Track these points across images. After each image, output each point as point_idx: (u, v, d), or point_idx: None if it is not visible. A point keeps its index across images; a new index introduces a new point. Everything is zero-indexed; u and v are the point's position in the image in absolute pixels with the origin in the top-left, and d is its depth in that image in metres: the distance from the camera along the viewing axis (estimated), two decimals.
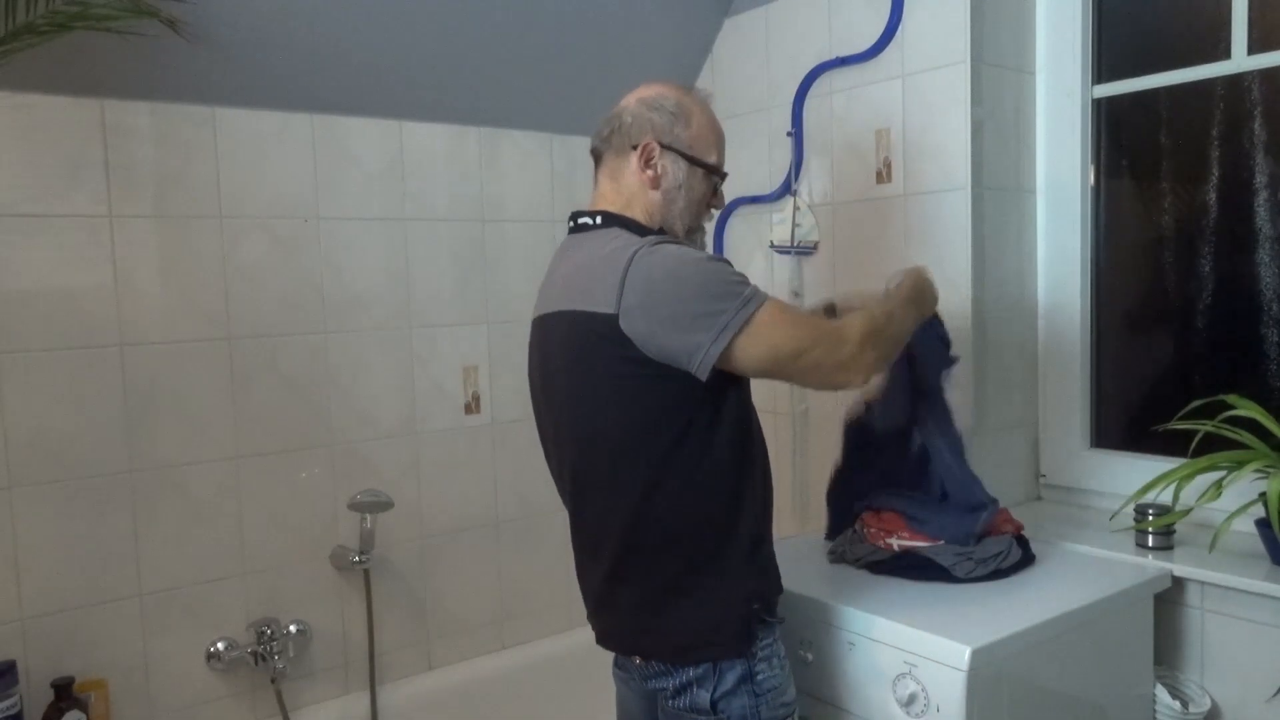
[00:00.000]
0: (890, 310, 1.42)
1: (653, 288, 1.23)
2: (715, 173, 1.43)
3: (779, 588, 1.41)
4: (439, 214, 2.29)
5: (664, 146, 1.37)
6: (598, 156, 1.44)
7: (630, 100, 1.42)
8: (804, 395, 2.33)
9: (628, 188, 1.39)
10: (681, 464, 1.28)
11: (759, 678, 1.33)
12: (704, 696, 1.32)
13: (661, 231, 1.38)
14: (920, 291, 1.52)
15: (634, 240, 1.30)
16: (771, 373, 1.29)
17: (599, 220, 1.38)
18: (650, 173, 1.37)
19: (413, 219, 2.25)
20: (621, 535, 1.33)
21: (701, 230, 1.47)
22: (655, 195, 1.38)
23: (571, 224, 1.42)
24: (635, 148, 1.37)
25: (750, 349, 1.24)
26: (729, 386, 1.30)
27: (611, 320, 1.24)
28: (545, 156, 2.46)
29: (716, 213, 1.51)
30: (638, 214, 1.38)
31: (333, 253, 2.13)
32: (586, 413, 1.33)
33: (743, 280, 1.27)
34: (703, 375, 1.24)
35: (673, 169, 1.38)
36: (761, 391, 1.45)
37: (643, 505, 1.30)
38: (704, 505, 1.30)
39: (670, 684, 1.34)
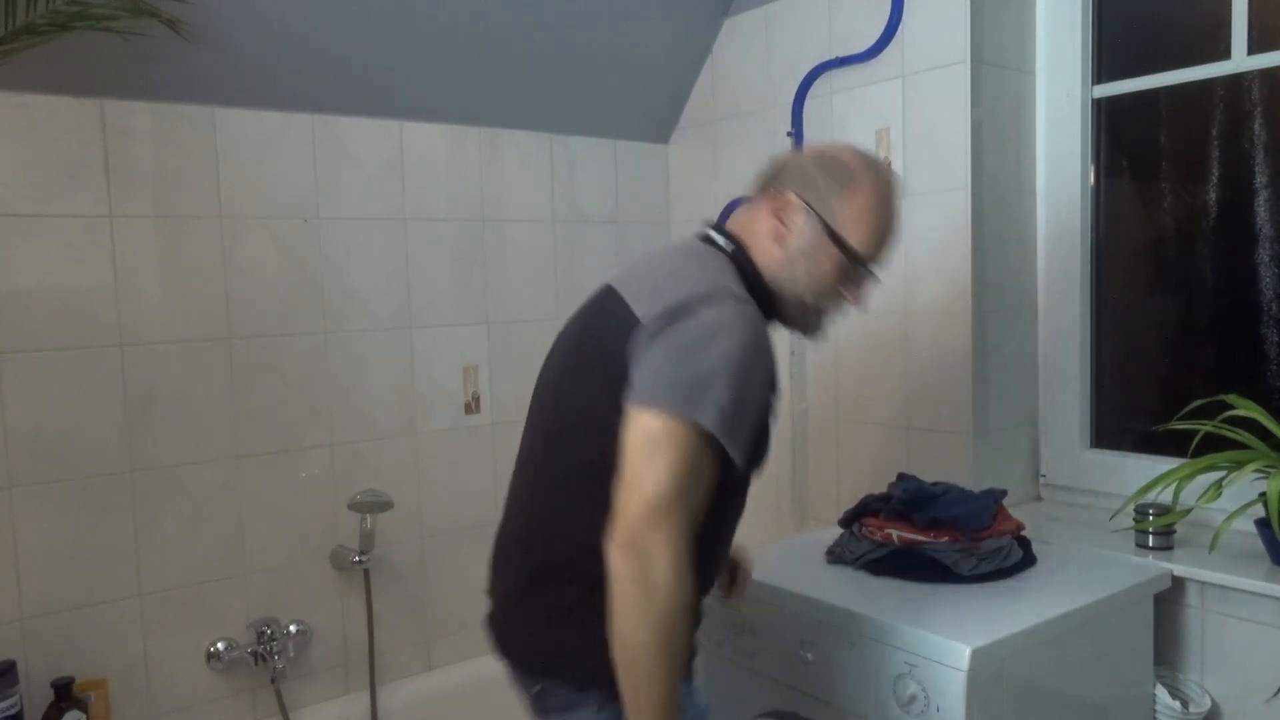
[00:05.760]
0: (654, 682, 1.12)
1: (677, 333, 1.12)
2: (854, 260, 1.24)
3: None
4: (439, 214, 2.29)
5: (808, 206, 1.23)
6: (754, 186, 1.32)
7: (811, 149, 1.31)
8: (804, 395, 2.33)
9: (757, 228, 1.26)
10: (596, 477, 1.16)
11: None
12: None
13: (764, 285, 1.25)
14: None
15: (721, 284, 1.18)
16: (625, 458, 1.11)
17: (721, 241, 1.27)
18: (779, 226, 1.24)
19: (413, 219, 2.25)
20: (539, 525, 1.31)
21: (818, 313, 1.29)
22: (777, 252, 1.24)
23: (699, 229, 1.32)
24: (778, 194, 1.25)
25: (636, 423, 1.10)
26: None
27: (628, 325, 1.16)
28: (545, 156, 2.46)
29: (852, 307, 1.30)
30: (756, 255, 1.25)
31: (333, 253, 2.13)
32: (557, 379, 1.27)
33: (718, 402, 1.09)
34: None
35: (807, 233, 1.23)
36: None
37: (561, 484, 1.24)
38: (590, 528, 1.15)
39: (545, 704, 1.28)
